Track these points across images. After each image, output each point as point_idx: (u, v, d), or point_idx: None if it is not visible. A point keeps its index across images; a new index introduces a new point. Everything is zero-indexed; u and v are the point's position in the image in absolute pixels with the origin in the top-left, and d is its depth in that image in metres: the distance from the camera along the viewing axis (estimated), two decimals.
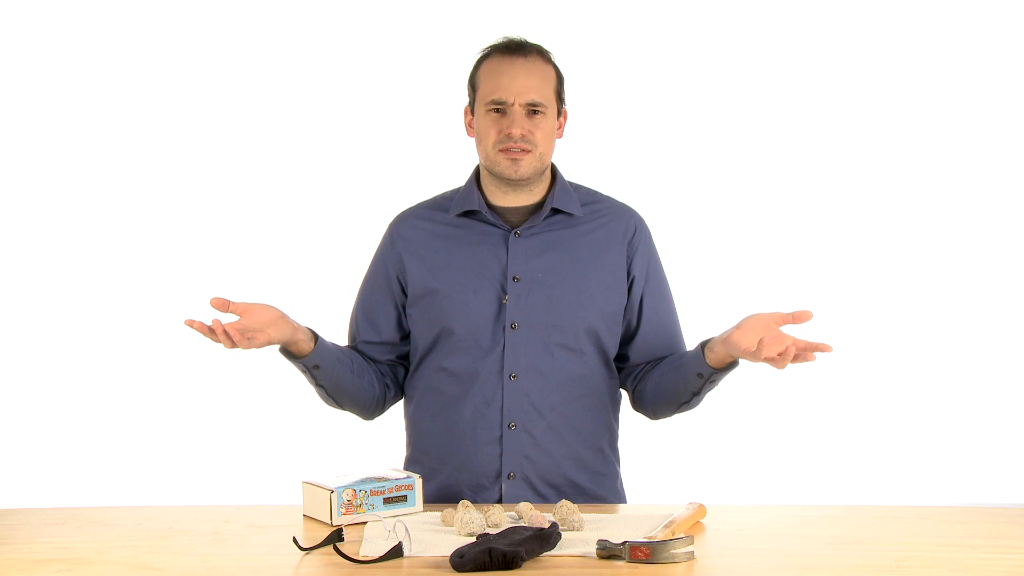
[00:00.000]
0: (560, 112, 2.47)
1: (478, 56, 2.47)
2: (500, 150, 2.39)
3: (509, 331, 2.41)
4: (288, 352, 2.39)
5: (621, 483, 2.55)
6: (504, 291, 2.43)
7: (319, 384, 2.46)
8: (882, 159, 4.39)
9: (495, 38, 2.46)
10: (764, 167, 4.40)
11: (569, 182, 2.53)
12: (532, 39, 2.47)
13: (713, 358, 2.34)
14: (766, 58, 4.38)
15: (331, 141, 4.38)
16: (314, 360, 2.40)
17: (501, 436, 2.42)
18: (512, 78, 2.39)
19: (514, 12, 4.12)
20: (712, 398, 2.47)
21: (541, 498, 2.42)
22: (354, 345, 2.56)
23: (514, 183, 2.43)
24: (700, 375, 2.38)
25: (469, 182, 2.51)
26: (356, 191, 4.30)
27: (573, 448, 2.45)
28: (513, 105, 2.38)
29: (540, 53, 2.44)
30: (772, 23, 4.37)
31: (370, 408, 2.55)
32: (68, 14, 4.30)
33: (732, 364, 2.34)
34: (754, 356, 2.21)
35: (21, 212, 4.34)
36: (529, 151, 2.39)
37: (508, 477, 2.41)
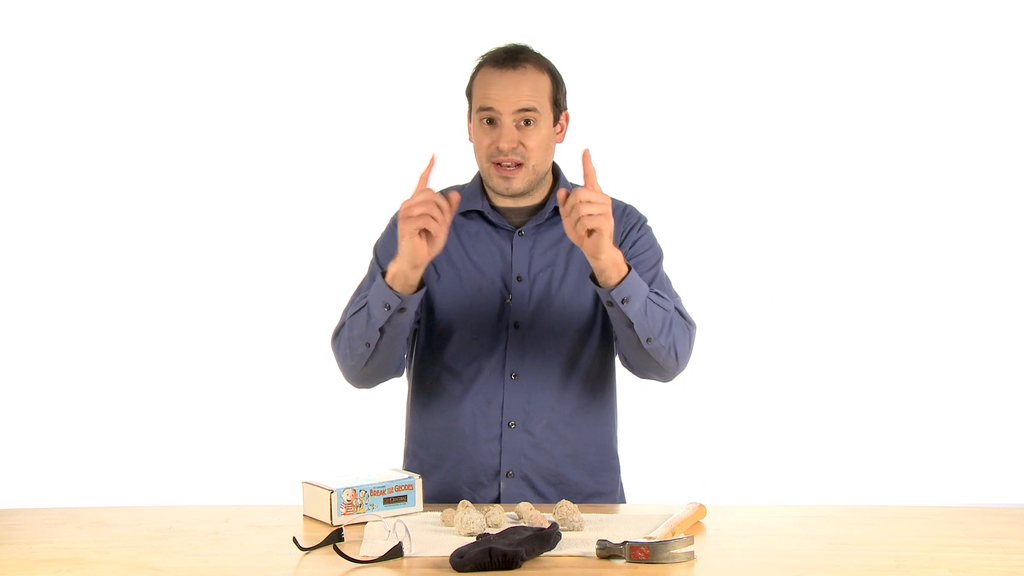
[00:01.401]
0: (559, 117, 2.44)
1: (475, 66, 2.45)
2: (493, 163, 2.38)
3: (511, 330, 2.41)
4: (399, 280, 2.25)
5: (621, 482, 2.55)
6: (507, 290, 2.42)
7: (383, 330, 2.30)
8: (882, 159, 4.40)
9: (491, 46, 2.43)
10: (764, 167, 4.41)
11: (571, 182, 2.52)
12: (532, 41, 2.44)
13: (600, 281, 2.26)
14: (766, 58, 4.38)
15: (331, 141, 4.38)
16: (415, 302, 2.29)
17: (500, 434, 2.42)
18: (501, 89, 2.36)
19: (515, 13, 4.11)
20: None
21: (540, 497, 2.42)
22: None
23: (509, 196, 2.42)
24: (608, 303, 2.28)
25: (474, 181, 2.51)
26: (356, 191, 4.29)
27: (573, 447, 2.45)
28: (503, 115, 2.36)
29: (532, 61, 2.40)
30: (772, 23, 4.37)
31: (386, 376, 2.44)
32: (68, 14, 4.30)
33: (614, 278, 2.22)
34: (573, 232, 2.18)
35: (21, 212, 4.34)
36: (521, 164, 2.37)
37: (507, 475, 2.41)
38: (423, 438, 2.50)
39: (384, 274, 2.28)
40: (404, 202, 2.22)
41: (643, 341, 2.30)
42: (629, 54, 4.37)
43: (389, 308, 2.27)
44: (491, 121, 2.38)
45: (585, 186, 2.20)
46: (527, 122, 2.36)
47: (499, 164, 2.37)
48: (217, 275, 4.36)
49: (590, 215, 2.14)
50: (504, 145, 2.35)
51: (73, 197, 4.35)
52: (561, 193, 2.20)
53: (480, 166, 2.43)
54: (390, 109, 4.35)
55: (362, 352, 2.35)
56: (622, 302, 2.25)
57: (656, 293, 2.33)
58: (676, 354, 2.35)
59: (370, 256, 2.56)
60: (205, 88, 4.36)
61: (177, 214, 4.37)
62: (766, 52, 4.39)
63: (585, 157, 2.20)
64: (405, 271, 2.24)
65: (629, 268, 2.25)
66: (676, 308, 2.37)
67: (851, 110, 4.38)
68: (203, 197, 4.37)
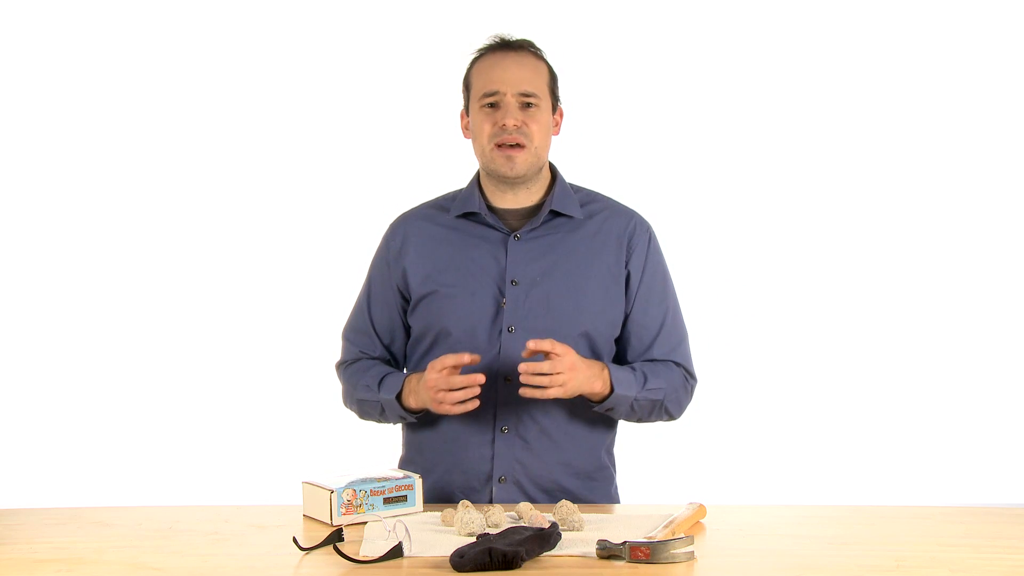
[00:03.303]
0: (555, 109, 2.47)
1: (471, 57, 2.48)
2: (496, 145, 2.39)
3: (506, 335, 2.40)
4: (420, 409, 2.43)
5: (616, 488, 2.55)
6: (502, 294, 2.42)
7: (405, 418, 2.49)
8: (882, 159, 4.40)
9: (487, 39, 2.47)
10: (764, 169, 4.40)
11: (569, 183, 2.52)
12: (528, 38, 2.47)
13: None
14: (766, 58, 4.38)
15: (331, 141, 4.38)
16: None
17: (493, 439, 2.42)
18: (504, 70, 2.40)
19: (513, 12, 4.12)
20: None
21: (532, 502, 2.40)
22: (381, 355, 2.54)
23: (511, 181, 2.42)
24: (609, 410, 2.44)
25: (471, 184, 2.51)
26: (355, 193, 4.30)
27: (566, 453, 2.45)
28: (506, 96, 2.38)
29: (531, 49, 2.45)
30: (772, 23, 4.37)
31: None
32: (68, 14, 4.30)
33: (605, 396, 2.38)
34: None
35: (21, 212, 4.34)
36: (524, 146, 2.38)
37: (499, 480, 2.41)
38: (417, 443, 2.51)
39: (400, 395, 2.41)
40: (438, 378, 2.29)
41: (632, 421, 2.50)
42: (627, 55, 4.37)
43: (405, 419, 2.47)
44: (493, 105, 2.39)
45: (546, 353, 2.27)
46: (528, 105, 2.39)
47: (501, 146, 2.38)
48: (217, 276, 4.36)
49: (551, 388, 2.27)
50: (509, 121, 2.37)
51: (73, 198, 4.35)
52: (530, 345, 2.27)
53: (481, 152, 2.43)
54: (390, 110, 4.35)
55: (374, 421, 2.55)
56: (606, 411, 2.42)
57: (647, 388, 2.42)
58: (671, 416, 2.51)
59: (368, 261, 2.57)
60: (205, 89, 4.36)
61: (177, 215, 4.37)
62: (765, 52, 4.38)
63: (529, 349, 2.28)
64: (428, 409, 2.37)
65: (612, 390, 2.37)
66: (671, 384, 2.46)
67: (851, 111, 4.38)
68: (203, 199, 4.37)
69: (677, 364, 2.49)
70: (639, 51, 4.37)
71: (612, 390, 2.36)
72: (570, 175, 2.55)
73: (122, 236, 4.36)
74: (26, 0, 4.28)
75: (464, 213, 2.47)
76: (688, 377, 2.51)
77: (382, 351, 2.54)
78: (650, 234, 2.52)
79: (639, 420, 2.48)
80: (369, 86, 4.37)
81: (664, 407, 2.46)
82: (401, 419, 2.48)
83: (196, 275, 4.36)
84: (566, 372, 2.26)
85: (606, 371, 2.37)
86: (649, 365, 2.46)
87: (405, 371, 2.55)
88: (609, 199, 2.55)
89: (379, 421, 2.53)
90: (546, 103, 2.42)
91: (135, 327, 4.35)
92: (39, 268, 4.34)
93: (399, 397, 2.42)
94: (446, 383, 2.28)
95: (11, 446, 4.29)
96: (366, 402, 2.48)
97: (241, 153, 4.38)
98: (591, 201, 2.52)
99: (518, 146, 2.38)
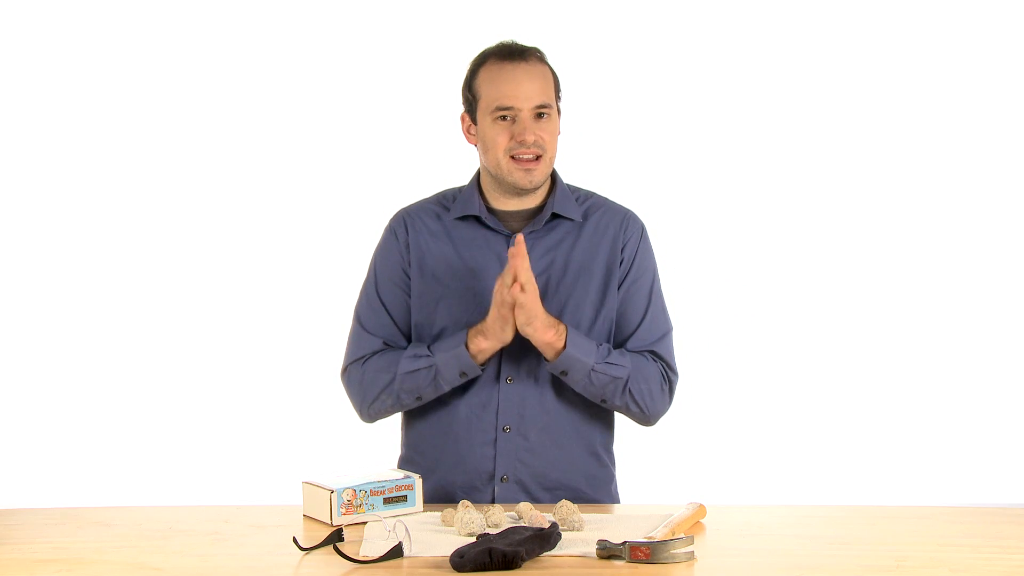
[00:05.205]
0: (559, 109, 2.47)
1: (474, 62, 2.45)
2: (512, 158, 2.38)
3: None
4: (483, 356, 2.38)
5: (616, 486, 2.55)
6: None
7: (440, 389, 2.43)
8: (882, 159, 4.39)
9: (489, 43, 2.44)
10: (763, 167, 4.40)
11: (568, 185, 2.52)
12: (529, 39, 2.46)
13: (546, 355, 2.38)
14: (766, 58, 4.38)
15: (330, 142, 4.38)
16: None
17: (495, 439, 2.42)
18: (517, 84, 2.38)
19: (513, 11, 4.11)
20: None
21: (535, 501, 2.41)
22: (396, 344, 2.51)
23: (528, 191, 2.42)
24: (564, 373, 2.39)
25: (471, 185, 2.50)
26: (355, 192, 4.29)
27: (568, 452, 2.45)
28: (522, 111, 2.37)
29: (538, 56, 2.43)
30: (772, 23, 4.37)
31: None
32: (68, 14, 4.30)
33: (558, 352, 2.34)
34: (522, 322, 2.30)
35: (21, 212, 4.34)
36: (540, 156, 2.39)
37: (501, 480, 2.42)
38: (418, 443, 2.50)
39: (466, 345, 2.35)
40: (506, 289, 2.28)
41: (597, 400, 2.42)
42: (624, 54, 4.37)
43: (466, 375, 2.38)
44: (507, 117, 2.38)
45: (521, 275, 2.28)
46: (541, 115, 2.39)
47: (517, 159, 2.38)
48: (217, 276, 4.36)
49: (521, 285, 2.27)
50: (529, 137, 2.36)
51: (73, 197, 4.34)
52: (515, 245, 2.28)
53: (495, 163, 2.41)
54: (389, 110, 4.35)
55: (407, 403, 2.46)
56: (561, 374, 2.37)
57: (608, 362, 2.38)
58: (641, 409, 2.44)
59: (368, 262, 2.56)
60: (206, 90, 4.36)
61: (177, 215, 4.37)
62: (764, 52, 4.38)
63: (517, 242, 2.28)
64: (494, 347, 2.35)
65: (565, 346, 2.34)
66: (638, 368, 2.41)
67: (850, 111, 4.38)
68: (203, 198, 4.37)
69: (657, 357, 2.46)
70: (636, 52, 4.37)
71: (565, 347, 2.34)
72: (568, 176, 2.55)
73: (121, 236, 4.36)
74: (26, 0, 4.28)
75: (464, 216, 2.47)
76: (668, 372, 2.47)
77: (404, 343, 2.50)
78: (642, 230, 2.52)
79: (604, 401, 2.42)
80: (369, 86, 4.37)
81: (629, 391, 2.41)
82: (462, 376, 2.38)
83: (195, 275, 4.35)
84: (531, 292, 2.28)
85: (562, 327, 2.36)
86: (622, 349, 2.44)
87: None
88: (603, 198, 2.55)
89: (416, 402, 2.44)
90: (555, 109, 2.42)
91: (135, 327, 4.35)
92: (39, 268, 4.34)
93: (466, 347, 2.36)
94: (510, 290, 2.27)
95: (11, 446, 4.29)
96: (413, 374, 2.39)
97: (241, 154, 4.38)
98: (587, 201, 2.52)
99: (535, 158, 2.38)
